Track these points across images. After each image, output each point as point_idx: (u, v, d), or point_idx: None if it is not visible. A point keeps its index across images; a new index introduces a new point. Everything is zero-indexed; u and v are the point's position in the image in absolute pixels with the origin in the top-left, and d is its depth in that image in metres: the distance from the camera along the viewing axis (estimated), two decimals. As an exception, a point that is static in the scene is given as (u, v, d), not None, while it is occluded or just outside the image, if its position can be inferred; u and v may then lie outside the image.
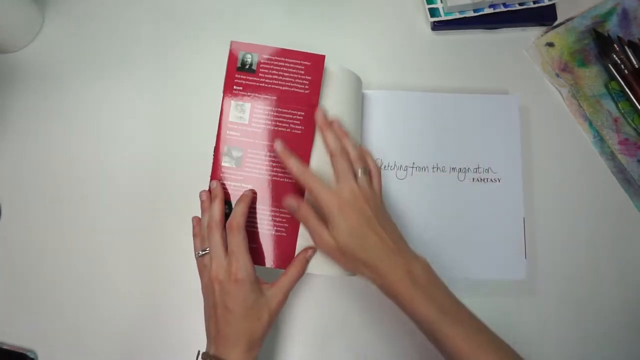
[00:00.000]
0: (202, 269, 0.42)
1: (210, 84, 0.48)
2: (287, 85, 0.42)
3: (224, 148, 0.43)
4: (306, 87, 0.42)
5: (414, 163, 0.49)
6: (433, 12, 0.55)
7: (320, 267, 0.42)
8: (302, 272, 0.41)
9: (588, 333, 0.49)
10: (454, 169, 0.49)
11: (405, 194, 0.48)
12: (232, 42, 0.43)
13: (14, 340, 0.49)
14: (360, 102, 0.48)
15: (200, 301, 0.42)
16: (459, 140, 0.50)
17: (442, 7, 0.55)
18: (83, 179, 0.53)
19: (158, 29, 0.57)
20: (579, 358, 0.47)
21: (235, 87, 0.43)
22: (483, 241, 0.48)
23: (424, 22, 0.57)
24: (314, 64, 0.42)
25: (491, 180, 0.49)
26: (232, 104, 0.43)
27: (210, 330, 0.41)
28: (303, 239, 0.43)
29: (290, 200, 0.40)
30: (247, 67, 0.43)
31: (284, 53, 0.42)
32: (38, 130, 0.55)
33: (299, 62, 0.42)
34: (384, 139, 0.50)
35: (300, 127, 0.42)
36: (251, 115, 0.43)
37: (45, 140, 0.54)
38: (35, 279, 0.51)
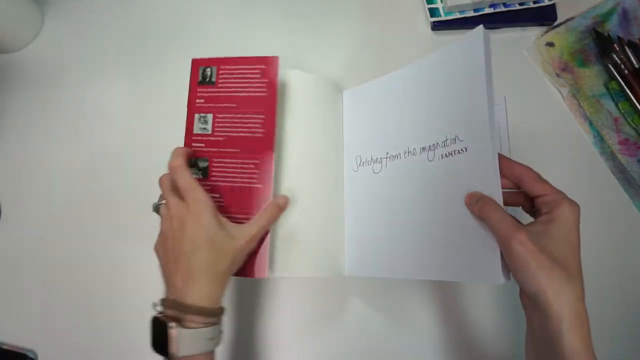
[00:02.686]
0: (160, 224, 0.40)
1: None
2: (246, 91, 0.43)
3: (191, 160, 0.43)
4: (264, 90, 0.43)
5: (387, 153, 0.44)
6: (433, 12, 0.55)
7: (311, 269, 0.42)
8: (272, 219, 0.40)
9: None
10: (423, 148, 0.41)
11: (382, 188, 0.43)
12: (193, 60, 0.44)
13: (14, 340, 0.49)
14: (337, 106, 0.48)
15: None
16: (427, 114, 0.42)
17: (442, 7, 0.55)
18: (83, 178, 0.53)
19: (159, 29, 0.57)
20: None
21: (197, 100, 0.44)
22: (456, 234, 0.37)
23: (424, 22, 0.57)
24: (269, 66, 0.43)
25: (458, 151, 0.38)
26: (196, 116, 0.44)
27: (168, 273, 0.38)
28: (274, 245, 0.42)
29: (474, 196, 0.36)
30: (207, 80, 0.44)
31: (240, 61, 0.43)
32: (38, 129, 0.55)
33: (254, 66, 0.43)
34: (358, 136, 0.47)
35: (261, 130, 0.42)
36: (214, 126, 0.43)
37: (45, 139, 0.54)
38: (35, 279, 0.51)
